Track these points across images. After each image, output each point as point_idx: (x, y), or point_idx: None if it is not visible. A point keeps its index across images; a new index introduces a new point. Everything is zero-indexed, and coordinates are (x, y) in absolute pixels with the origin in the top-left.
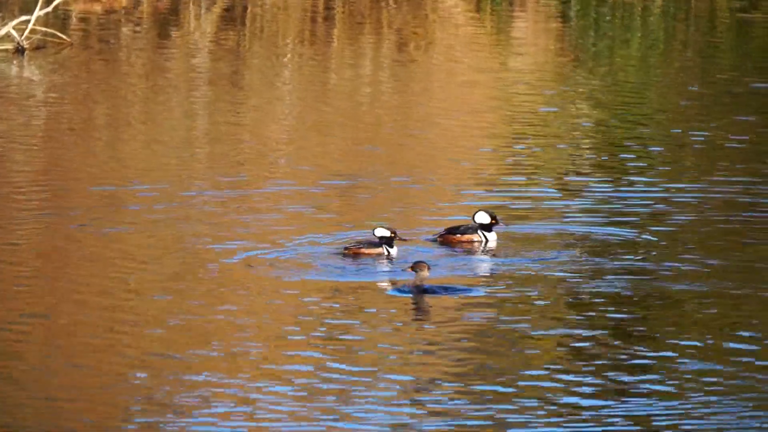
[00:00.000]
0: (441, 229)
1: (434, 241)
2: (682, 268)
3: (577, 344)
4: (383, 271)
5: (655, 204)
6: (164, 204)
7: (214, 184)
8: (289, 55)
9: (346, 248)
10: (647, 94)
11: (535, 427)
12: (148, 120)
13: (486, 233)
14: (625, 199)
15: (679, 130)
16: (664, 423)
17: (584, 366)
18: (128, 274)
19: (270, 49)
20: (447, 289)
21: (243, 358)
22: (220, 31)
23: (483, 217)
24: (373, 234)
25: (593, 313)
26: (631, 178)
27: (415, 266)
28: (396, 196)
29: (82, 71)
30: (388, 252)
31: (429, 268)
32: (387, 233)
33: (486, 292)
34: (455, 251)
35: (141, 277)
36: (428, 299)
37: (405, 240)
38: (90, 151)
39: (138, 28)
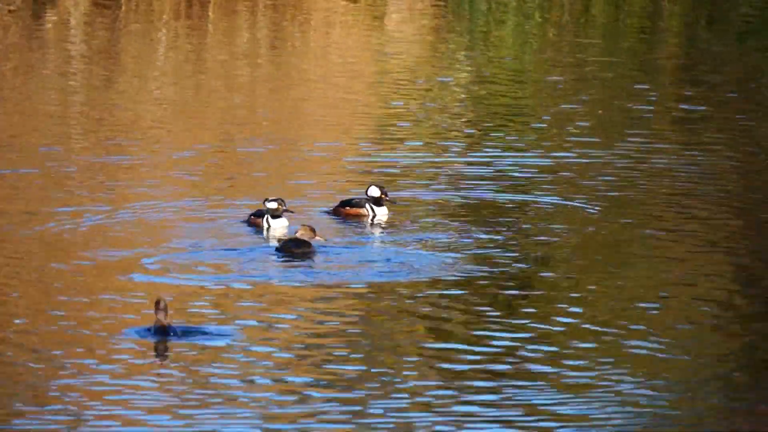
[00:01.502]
0: (336, 203)
1: (329, 213)
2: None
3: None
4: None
5: (537, 171)
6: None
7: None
8: (164, 30)
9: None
10: (522, 71)
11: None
12: (22, 96)
13: (376, 207)
14: (508, 166)
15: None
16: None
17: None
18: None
19: (145, 25)
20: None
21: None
22: (95, 7)
23: (374, 191)
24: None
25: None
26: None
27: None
28: (281, 169)
29: None
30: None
31: (314, 230)
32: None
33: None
34: (347, 223)
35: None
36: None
37: (292, 212)
38: None
39: (12, 7)
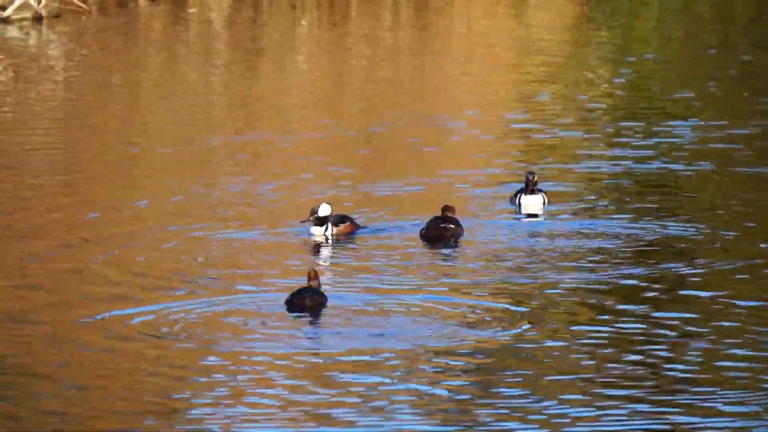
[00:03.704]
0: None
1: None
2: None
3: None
4: None
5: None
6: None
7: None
8: (304, 23)
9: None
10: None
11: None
12: (164, 89)
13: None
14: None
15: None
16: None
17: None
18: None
19: (287, 16)
20: None
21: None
22: (236, 0)
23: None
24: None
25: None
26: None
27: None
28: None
29: (100, 39)
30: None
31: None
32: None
33: None
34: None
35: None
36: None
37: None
38: (107, 117)
39: None
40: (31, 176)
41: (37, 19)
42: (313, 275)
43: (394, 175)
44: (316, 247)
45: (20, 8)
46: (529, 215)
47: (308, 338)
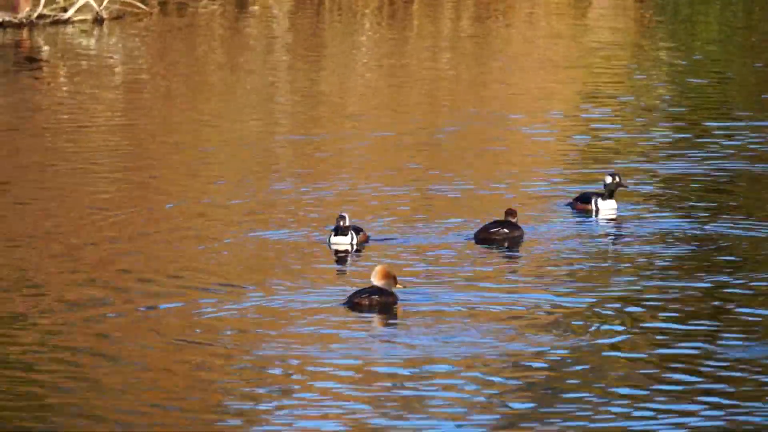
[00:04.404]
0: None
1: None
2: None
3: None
4: None
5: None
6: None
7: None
8: (366, 24)
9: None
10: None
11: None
12: (227, 91)
13: (601, 201)
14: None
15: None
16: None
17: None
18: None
19: (349, 18)
20: None
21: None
22: (298, 1)
23: (607, 180)
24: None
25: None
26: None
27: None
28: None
29: (161, 41)
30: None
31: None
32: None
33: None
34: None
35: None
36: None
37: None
38: (170, 120)
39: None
40: (97, 180)
41: (98, 20)
42: (382, 274)
43: (456, 177)
44: (347, 255)
45: (81, 10)
46: (607, 218)
47: (374, 343)
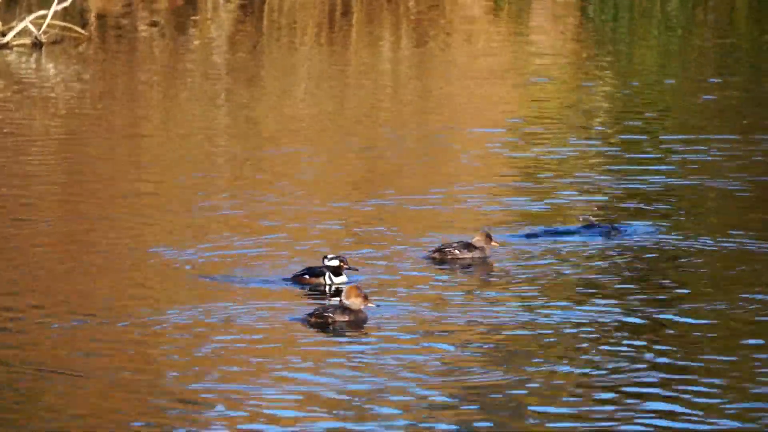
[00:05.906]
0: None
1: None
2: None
3: None
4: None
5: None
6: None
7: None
8: (307, 45)
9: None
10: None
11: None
12: (166, 116)
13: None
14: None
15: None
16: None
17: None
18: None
19: (288, 41)
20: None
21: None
22: (238, 23)
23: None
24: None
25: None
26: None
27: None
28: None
29: (99, 65)
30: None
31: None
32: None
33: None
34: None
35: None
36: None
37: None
38: (108, 146)
39: (155, 20)
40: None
41: (37, 45)
42: (353, 293)
43: (397, 192)
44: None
45: (20, 34)
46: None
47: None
